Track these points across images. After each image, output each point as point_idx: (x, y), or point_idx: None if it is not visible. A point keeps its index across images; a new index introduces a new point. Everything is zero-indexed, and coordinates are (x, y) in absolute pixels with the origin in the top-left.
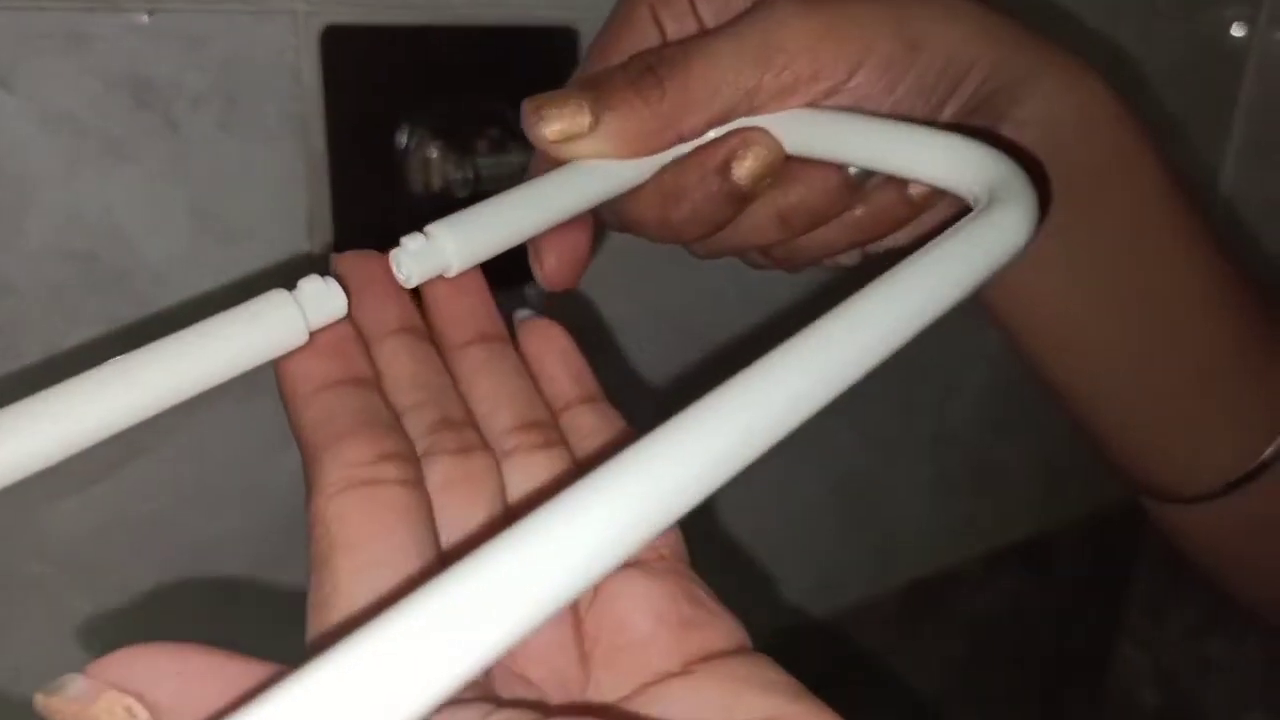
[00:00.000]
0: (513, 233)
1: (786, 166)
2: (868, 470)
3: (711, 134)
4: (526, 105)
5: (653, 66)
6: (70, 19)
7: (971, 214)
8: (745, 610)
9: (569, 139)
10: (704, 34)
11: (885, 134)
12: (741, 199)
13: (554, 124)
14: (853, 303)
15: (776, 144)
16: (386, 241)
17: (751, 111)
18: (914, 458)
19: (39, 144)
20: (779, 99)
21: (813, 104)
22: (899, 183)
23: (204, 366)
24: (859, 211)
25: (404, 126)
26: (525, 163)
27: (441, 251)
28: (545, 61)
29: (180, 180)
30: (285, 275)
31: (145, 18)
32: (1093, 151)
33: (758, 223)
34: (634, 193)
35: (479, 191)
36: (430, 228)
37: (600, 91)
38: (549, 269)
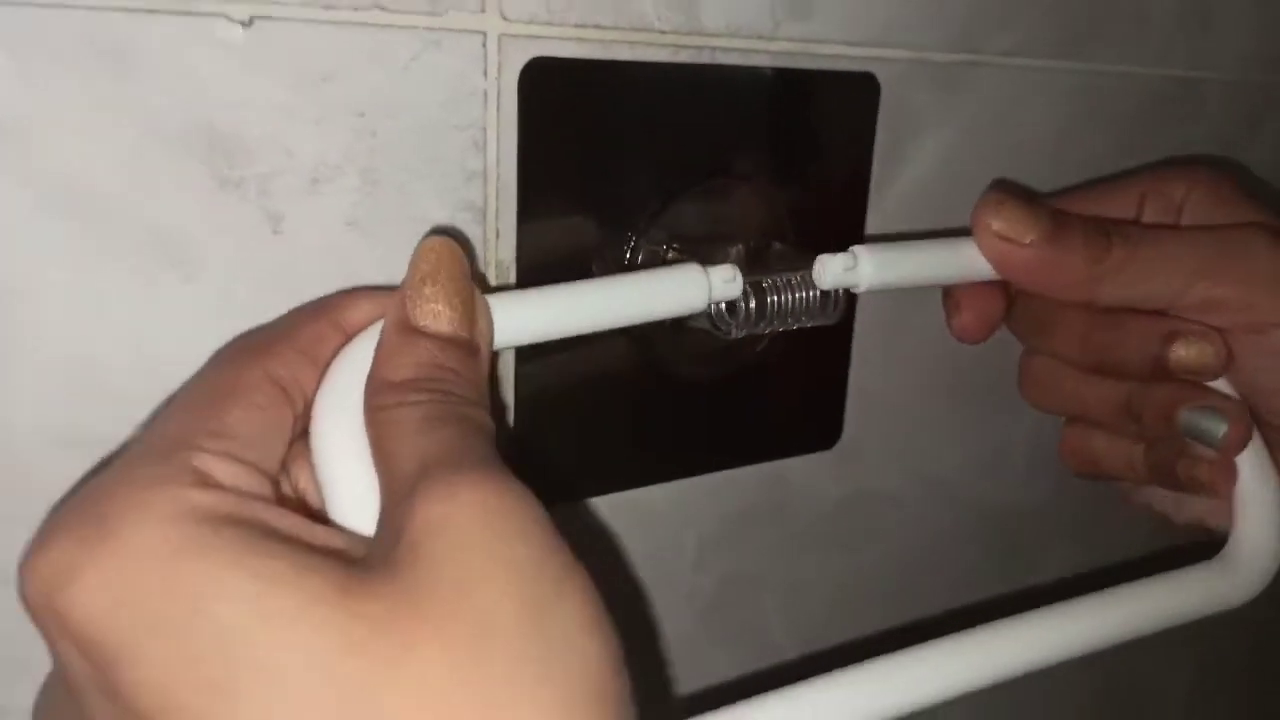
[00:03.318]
0: (926, 275)
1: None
2: None
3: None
4: (994, 192)
5: (1109, 232)
6: (102, 23)
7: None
8: None
9: (1004, 239)
10: (1167, 228)
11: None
12: (1156, 370)
13: (1004, 221)
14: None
15: (1222, 356)
16: None
17: (1167, 311)
18: None
19: (34, 235)
20: (1200, 311)
21: (1226, 330)
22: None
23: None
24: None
25: (637, 229)
26: (808, 303)
27: (859, 269)
28: (837, 124)
29: (280, 310)
30: None
31: (237, 30)
32: None
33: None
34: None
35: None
36: (855, 248)
37: (1054, 224)
38: (964, 323)
